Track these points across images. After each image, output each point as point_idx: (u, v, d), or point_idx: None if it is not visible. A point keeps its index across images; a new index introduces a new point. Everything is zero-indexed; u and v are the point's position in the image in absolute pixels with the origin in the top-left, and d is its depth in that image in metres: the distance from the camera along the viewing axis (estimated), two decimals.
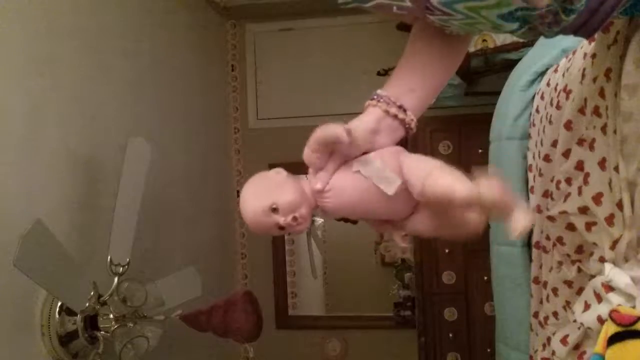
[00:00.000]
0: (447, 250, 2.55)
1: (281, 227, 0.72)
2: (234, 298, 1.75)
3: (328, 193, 0.71)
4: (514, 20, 0.63)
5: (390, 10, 0.65)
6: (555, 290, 1.14)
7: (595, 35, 0.88)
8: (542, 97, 1.30)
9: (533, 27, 0.65)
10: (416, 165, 0.70)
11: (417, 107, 0.73)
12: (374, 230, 0.81)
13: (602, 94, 0.85)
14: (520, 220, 0.64)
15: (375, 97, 0.72)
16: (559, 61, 1.27)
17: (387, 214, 0.75)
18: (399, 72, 0.74)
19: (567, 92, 1.05)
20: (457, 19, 0.63)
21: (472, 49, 2.17)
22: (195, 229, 2.61)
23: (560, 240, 1.07)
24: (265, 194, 0.72)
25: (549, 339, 1.15)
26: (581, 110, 0.96)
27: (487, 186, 0.64)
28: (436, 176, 0.66)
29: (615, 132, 0.82)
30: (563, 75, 1.14)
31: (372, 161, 0.70)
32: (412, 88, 0.72)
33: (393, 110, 0.70)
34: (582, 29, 0.65)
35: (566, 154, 1.02)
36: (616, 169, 0.82)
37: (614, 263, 0.84)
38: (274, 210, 0.71)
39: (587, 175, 0.90)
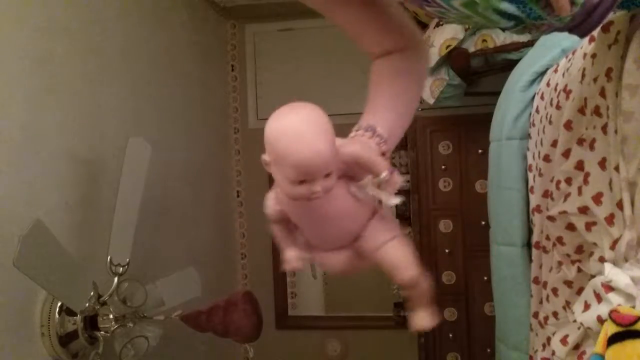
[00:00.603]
0: (447, 250, 2.55)
1: (303, 182, 0.64)
2: (234, 298, 1.75)
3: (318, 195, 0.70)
4: (510, 18, 0.63)
5: None
6: (555, 290, 1.14)
7: (596, 35, 0.88)
8: (542, 97, 1.30)
9: (528, 26, 0.65)
10: (383, 225, 0.75)
11: (392, 148, 0.78)
12: (276, 236, 0.78)
13: (602, 93, 0.85)
14: (422, 320, 0.77)
15: (378, 135, 0.72)
16: (559, 61, 1.27)
17: (329, 241, 0.76)
18: (377, 111, 0.77)
19: (567, 92, 1.05)
20: (453, 13, 0.64)
21: (472, 49, 2.17)
22: (195, 229, 2.61)
23: (560, 240, 1.06)
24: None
25: (549, 339, 1.15)
26: (581, 110, 0.96)
27: (423, 280, 0.76)
28: (395, 245, 0.74)
29: (615, 131, 0.82)
30: (563, 75, 1.14)
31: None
32: (392, 127, 0.75)
33: (387, 155, 0.73)
34: (578, 29, 0.65)
35: (566, 153, 1.02)
36: (616, 168, 0.82)
37: (614, 263, 0.84)
38: (327, 176, 0.65)
39: (587, 175, 0.90)
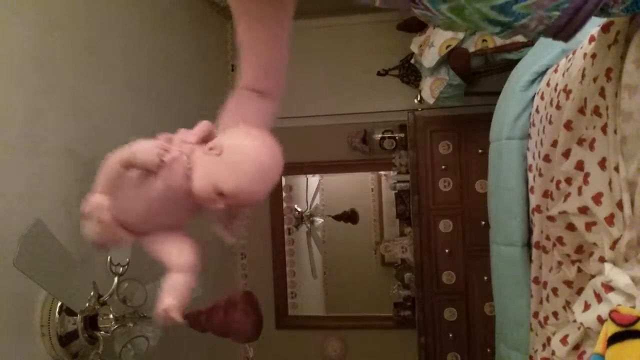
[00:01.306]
0: (447, 250, 2.55)
1: (220, 194, 0.88)
2: (234, 298, 1.75)
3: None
4: (497, 24, 0.64)
5: None
6: (555, 291, 1.14)
7: (596, 35, 0.88)
8: (542, 97, 1.30)
9: (514, 29, 0.66)
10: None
11: None
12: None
13: (602, 93, 0.85)
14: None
15: None
16: (559, 61, 1.27)
17: (140, 219, 0.92)
18: None
19: (567, 92, 1.05)
20: (440, 19, 0.64)
21: (472, 49, 2.17)
22: (195, 228, 2.60)
23: (560, 240, 1.07)
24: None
25: (549, 339, 1.15)
26: (581, 110, 0.96)
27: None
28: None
29: (615, 131, 0.82)
30: (563, 75, 1.14)
31: None
32: None
33: None
34: (563, 31, 0.66)
35: (566, 153, 1.02)
36: (616, 168, 0.82)
37: (614, 263, 0.84)
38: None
39: (587, 175, 0.90)
